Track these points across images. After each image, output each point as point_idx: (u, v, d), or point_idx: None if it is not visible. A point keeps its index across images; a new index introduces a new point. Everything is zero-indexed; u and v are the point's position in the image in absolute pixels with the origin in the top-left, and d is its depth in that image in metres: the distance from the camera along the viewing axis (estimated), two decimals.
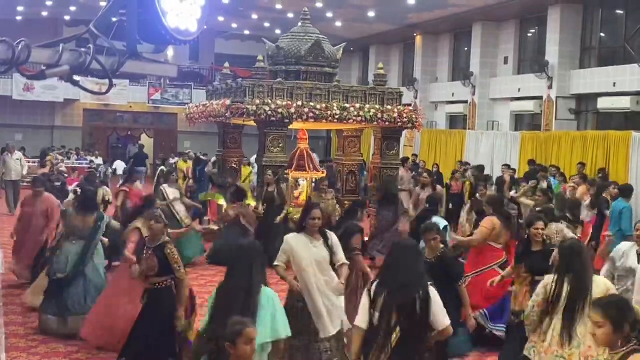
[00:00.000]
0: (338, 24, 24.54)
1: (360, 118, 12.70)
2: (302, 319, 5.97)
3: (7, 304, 8.63)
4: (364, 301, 4.79)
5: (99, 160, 24.61)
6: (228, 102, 12.38)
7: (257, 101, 12.17)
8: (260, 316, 4.51)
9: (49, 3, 25.53)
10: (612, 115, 18.15)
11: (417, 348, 4.63)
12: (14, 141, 21.17)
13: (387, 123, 13.06)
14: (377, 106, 12.95)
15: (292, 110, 12.28)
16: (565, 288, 5.19)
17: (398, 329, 4.56)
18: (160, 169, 14.74)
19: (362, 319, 4.73)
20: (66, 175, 15.68)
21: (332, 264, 6.07)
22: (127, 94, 28.35)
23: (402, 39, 26.83)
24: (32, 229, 9.52)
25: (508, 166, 16.94)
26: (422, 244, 7.66)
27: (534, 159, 17.32)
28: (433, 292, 4.71)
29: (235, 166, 14.65)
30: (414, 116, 13.38)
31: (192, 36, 4.29)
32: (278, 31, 24.51)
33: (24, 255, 9.56)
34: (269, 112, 12.13)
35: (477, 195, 11.50)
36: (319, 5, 21.46)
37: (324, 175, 14.36)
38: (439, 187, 12.96)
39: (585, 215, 11.14)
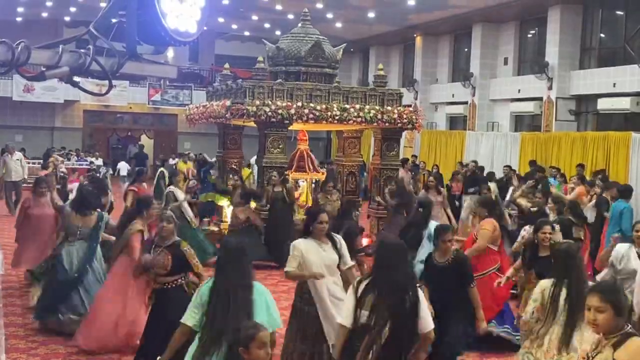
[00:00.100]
0: (338, 24, 24.54)
1: (360, 119, 12.70)
2: (309, 324, 5.94)
3: (6, 305, 8.62)
4: (350, 299, 4.77)
5: (99, 161, 24.60)
6: (228, 103, 12.37)
7: (257, 102, 12.17)
8: (256, 312, 4.55)
9: (48, 4, 25.53)
10: (612, 116, 18.15)
11: (404, 349, 4.63)
12: (14, 142, 21.16)
13: (387, 124, 13.06)
14: (377, 107, 12.95)
15: (292, 111, 12.28)
16: (563, 293, 5.18)
17: (387, 329, 4.56)
18: (160, 170, 14.73)
19: (347, 317, 4.72)
20: (66, 176, 15.66)
21: (337, 266, 6.06)
22: (127, 95, 28.34)
23: (402, 40, 26.84)
24: (42, 231, 9.39)
25: (509, 167, 16.95)
26: (423, 247, 7.66)
27: (535, 160, 17.32)
28: (421, 294, 4.75)
29: (235, 167, 14.65)
30: (413, 117, 13.37)
31: (191, 37, 4.30)
32: (278, 32, 24.52)
33: (31, 257, 9.40)
34: (269, 113, 12.13)
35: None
36: (319, 6, 21.47)
37: (324, 176, 14.39)
38: (442, 188, 12.88)
39: (590, 216, 11.15)
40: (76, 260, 7.88)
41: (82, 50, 3.99)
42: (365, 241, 11.45)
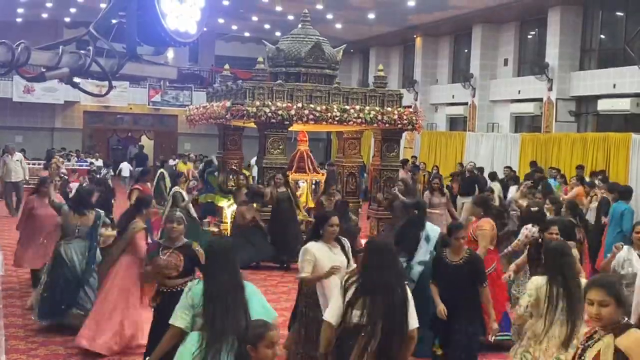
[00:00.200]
0: (338, 25, 24.54)
1: (360, 120, 12.70)
2: (314, 328, 5.91)
3: (7, 305, 8.60)
4: (338, 298, 4.76)
5: (99, 162, 24.60)
6: (228, 103, 12.37)
7: (257, 103, 12.17)
8: (251, 308, 4.58)
9: (48, 5, 25.54)
10: (612, 117, 18.15)
11: (396, 348, 4.63)
12: (14, 143, 21.17)
13: (387, 125, 13.06)
14: (377, 108, 12.95)
15: (292, 112, 12.28)
16: (559, 290, 5.17)
17: (379, 329, 4.57)
18: (159, 171, 14.71)
19: (334, 315, 4.71)
20: (67, 177, 15.66)
21: None
22: (127, 96, 28.35)
23: (402, 40, 26.84)
24: (46, 230, 9.37)
25: (510, 168, 16.95)
26: (421, 248, 7.61)
27: (535, 161, 17.32)
28: (409, 293, 4.79)
29: (235, 168, 14.65)
30: (414, 118, 13.38)
31: (191, 38, 4.30)
32: (278, 33, 24.53)
33: (35, 256, 9.38)
34: (269, 114, 12.13)
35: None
36: (319, 7, 21.47)
37: (324, 177, 14.40)
38: (446, 190, 12.83)
39: (590, 217, 11.15)
40: (75, 258, 7.91)
41: (82, 51, 3.99)
42: (364, 242, 11.44)
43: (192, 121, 14.88)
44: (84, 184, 11.75)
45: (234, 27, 28.91)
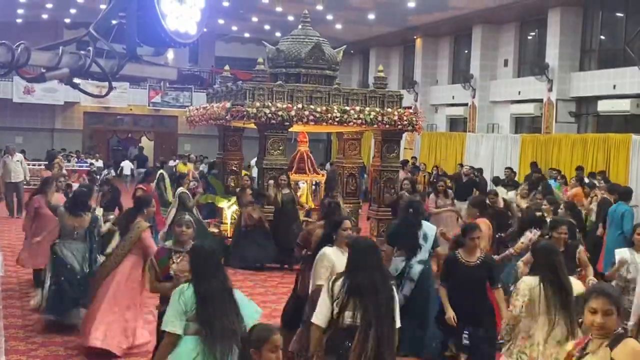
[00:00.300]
0: (338, 26, 24.55)
1: (360, 121, 12.70)
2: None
3: (6, 306, 8.61)
4: (325, 299, 4.73)
5: (99, 163, 24.61)
6: (228, 104, 12.38)
7: (257, 104, 12.17)
8: (242, 309, 4.65)
9: (48, 6, 25.55)
10: (612, 118, 18.15)
11: (388, 349, 4.64)
12: (14, 144, 21.16)
13: (387, 126, 13.06)
14: (377, 109, 12.95)
15: (292, 112, 12.28)
16: (553, 290, 5.16)
17: (372, 329, 4.58)
18: (159, 172, 14.73)
19: (322, 317, 4.69)
20: (67, 177, 15.66)
21: None
22: (127, 97, 28.37)
23: (402, 41, 26.84)
24: (51, 230, 9.36)
25: (510, 169, 16.93)
26: (424, 251, 7.60)
27: (536, 162, 17.31)
28: (395, 293, 4.84)
29: (235, 169, 14.65)
30: (414, 119, 13.38)
31: (191, 39, 4.29)
32: (278, 34, 24.54)
33: (40, 256, 9.38)
34: (269, 115, 12.13)
35: (488, 202, 11.32)
36: (319, 7, 21.46)
37: (324, 177, 14.40)
38: (450, 191, 12.81)
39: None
40: (73, 260, 7.94)
41: (82, 52, 3.99)
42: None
43: (192, 122, 14.89)
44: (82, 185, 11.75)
45: (234, 28, 28.92)
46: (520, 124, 21.66)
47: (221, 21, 26.26)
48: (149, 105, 29.52)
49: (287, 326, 6.37)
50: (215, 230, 13.18)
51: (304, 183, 13.93)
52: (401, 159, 15.56)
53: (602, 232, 10.77)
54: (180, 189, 11.74)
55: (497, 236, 9.39)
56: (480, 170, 17.62)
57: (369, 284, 4.66)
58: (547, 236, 6.94)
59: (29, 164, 19.96)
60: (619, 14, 18.58)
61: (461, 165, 19.33)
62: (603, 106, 17.57)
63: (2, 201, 17.63)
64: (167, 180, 14.32)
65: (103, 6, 4.39)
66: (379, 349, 4.58)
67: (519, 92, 20.57)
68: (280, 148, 12.70)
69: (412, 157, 21.93)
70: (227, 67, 15.44)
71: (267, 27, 27.00)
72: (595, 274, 8.50)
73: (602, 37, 18.98)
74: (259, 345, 3.67)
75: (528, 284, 5.25)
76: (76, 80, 4.28)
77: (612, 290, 3.77)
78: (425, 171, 19.57)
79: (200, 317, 4.56)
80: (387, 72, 18.11)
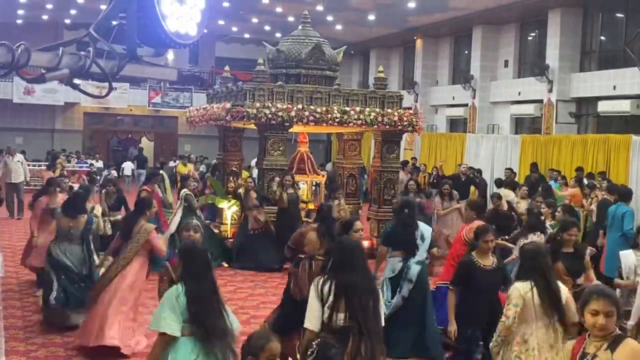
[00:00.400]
0: (338, 27, 24.55)
1: (360, 121, 12.70)
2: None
3: (6, 307, 8.62)
4: (315, 302, 4.69)
5: (99, 164, 24.61)
6: (228, 105, 12.37)
7: (258, 104, 12.17)
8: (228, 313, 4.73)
9: (49, 6, 25.54)
10: (612, 118, 18.15)
11: (380, 347, 4.68)
12: (14, 144, 21.16)
13: (387, 126, 13.05)
14: (378, 109, 12.95)
15: (293, 113, 12.28)
16: (543, 293, 5.11)
17: (365, 329, 4.60)
18: (159, 173, 14.72)
19: (315, 321, 4.65)
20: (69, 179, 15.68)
21: None
22: (128, 97, 28.38)
23: (403, 42, 26.85)
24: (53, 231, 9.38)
25: (511, 169, 16.91)
26: (422, 251, 7.58)
27: (536, 163, 17.30)
28: (380, 292, 4.90)
29: (235, 169, 14.65)
30: (414, 119, 13.37)
31: (191, 40, 4.30)
32: (278, 34, 24.55)
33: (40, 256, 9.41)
34: (269, 116, 12.12)
35: (492, 206, 11.30)
36: (320, 8, 21.47)
37: (324, 178, 14.39)
38: (455, 192, 12.79)
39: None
40: (68, 261, 7.96)
41: (82, 53, 3.99)
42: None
43: (192, 123, 14.88)
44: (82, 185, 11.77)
45: (234, 29, 28.92)
46: (521, 124, 21.66)
47: (221, 22, 26.26)
48: (149, 106, 29.52)
49: (280, 331, 6.33)
50: (216, 231, 13.18)
51: (304, 184, 13.92)
52: (401, 159, 15.55)
53: (603, 235, 10.71)
54: (185, 190, 11.76)
55: (499, 239, 9.37)
56: (479, 171, 17.59)
57: (357, 284, 4.66)
58: (557, 238, 6.90)
59: (29, 165, 19.94)
60: (619, 15, 18.58)
61: (460, 165, 19.29)
62: (603, 107, 17.57)
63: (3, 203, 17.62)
64: (167, 182, 14.30)
65: (103, 7, 4.39)
66: (373, 348, 4.61)
67: (519, 93, 20.57)
68: (281, 149, 12.70)
69: (412, 158, 21.91)
70: (227, 68, 15.43)
71: (267, 27, 27.01)
72: (597, 276, 8.52)
73: (602, 37, 18.98)
74: (256, 352, 3.68)
75: (521, 290, 5.12)
76: (76, 81, 4.29)
77: (610, 291, 3.77)
78: (425, 172, 19.55)
79: (195, 317, 4.56)
80: (387, 72, 18.10)
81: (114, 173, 21.99)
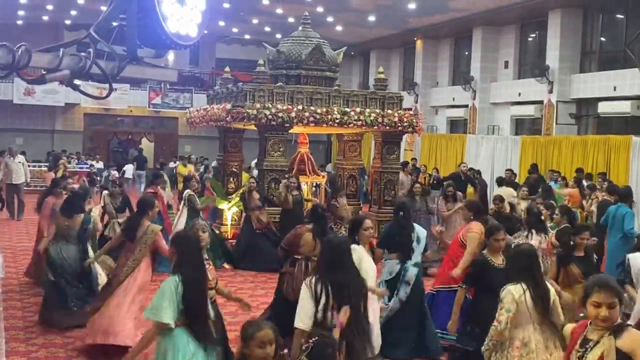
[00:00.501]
0: (339, 28, 24.56)
1: (360, 122, 12.70)
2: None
3: (7, 308, 8.62)
4: (307, 301, 4.67)
5: (100, 165, 24.60)
6: (229, 106, 12.38)
7: (258, 105, 12.17)
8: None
9: (49, 7, 25.55)
10: (612, 119, 18.16)
11: (369, 344, 4.73)
12: (15, 145, 21.13)
13: (387, 127, 13.06)
14: (378, 110, 12.95)
15: (293, 114, 12.29)
16: (536, 294, 5.09)
17: (355, 326, 4.64)
18: (162, 174, 14.71)
19: (306, 320, 4.63)
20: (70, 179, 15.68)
21: None
22: (128, 98, 28.38)
23: (403, 43, 26.85)
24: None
25: (511, 170, 16.91)
26: (414, 250, 7.57)
27: (536, 164, 17.30)
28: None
29: (235, 170, 14.65)
30: (414, 120, 13.38)
31: (192, 41, 4.31)
32: (278, 35, 24.55)
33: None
34: (270, 116, 12.13)
35: (494, 208, 11.30)
36: (320, 9, 21.48)
37: (324, 179, 14.38)
38: (459, 193, 12.79)
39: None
40: (64, 261, 8.01)
41: (83, 54, 3.99)
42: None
43: (193, 123, 14.89)
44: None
45: (235, 30, 28.94)
46: (521, 125, 21.66)
47: (222, 23, 26.27)
48: (149, 107, 29.53)
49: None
50: (216, 232, 13.18)
51: (304, 184, 13.91)
52: (401, 160, 15.55)
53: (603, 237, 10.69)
54: (188, 191, 11.78)
55: None
56: (478, 172, 17.58)
57: (349, 284, 4.69)
58: (570, 242, 6.90)
59: (29, 166, 19.94)
60: (619, 16, 18.59)
61: (460, 164, 19.25)
62: (603, 108, 17.57)
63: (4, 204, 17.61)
64: (167, 183, 14.32)
65: (104, 8, 4.39)
66: (364, 348, 4.67)
67: (519, 94, 20.58)
68: (281, 149, 12.70)
69: (413, 159, 21.90)
70: (227, 69, 15.45)
71: (267, 28, 27.01)
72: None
73: (603, 38, 18.98)
74: (247, 340, 3.74)
75: (514, 294, 5.04)
76: (76, 82, 4.29)
77: (613, 283, 3.75)
78: (425, 173, 19.55)
79: (190, 307, 4.65)
80: (387, 73, 18.12)
81: (115, 174, 21.97)
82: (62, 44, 4.07)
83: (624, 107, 16.78)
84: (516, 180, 16.02)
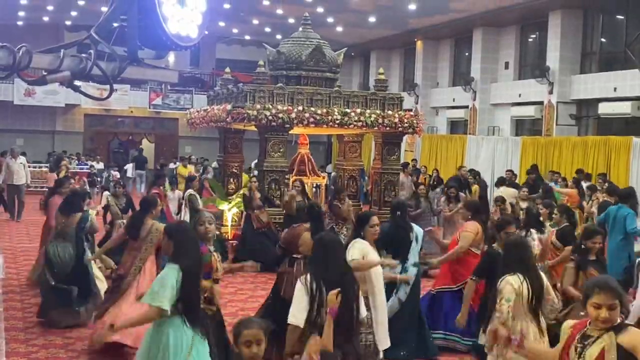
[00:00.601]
0: (339, 29, 24.57)
1: (361, 123, 12.70)
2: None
3: (7, 308, 8.62)
4: (303, 298, 4.68)
5: (100, 165, 24.60)
6: (229, 107, 12.38)
7: (258, 106, 12.17)
8: None
9: (49, 8, 25.56)
10: (612, 120, 18.16)
11: (359, 346, 4.79)
12: (16, 146, 21.13)
13: (387, 128, 13.06)
14: (378, 111, 12.95)
15: (293, 115, 12.29)
16: (534, 284, 5.13)
17: (349, 322, 4.66)
18: (164, 174, 14.74)
19: (300, 317, 4.63)
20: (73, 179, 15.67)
21: None
22: (128, 99, 28.39)
23: (403, 44, 26.86)
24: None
25: (511, 171, 16.92)
26: (412, 250, 7.57)
27: (536, 164, 17.31)
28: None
29: (236, 171, 14.65)
30: (414, 121, 13.37)
31: (192, 42, 4.31)
32: (279, 36, 24.56)
33: None
34: (270, 117, 12.13)
35: (496, 209, 11.31)
36: (320, 10, 21.49)
37: (324, 180, 14.40)
38: (462, 194, 12.78)
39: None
40: (60, 260, 8.04)
41: (84, 55, 4.00)
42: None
43: (193, 124, 14.89)
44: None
45: (235, 31, 28.94)
46: (521, 126, 21.66)
47: (222, 24, 26.28)
48: (149, 108, 29.53)
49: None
50: (217, 233, 13.18)
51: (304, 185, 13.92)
52: (402, 161, 15.55)
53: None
54: (190, 191, 11.76)
55: None
56: (477, 173, 17.57)
57: (342, 280, 4.71)
58: (582, 246, 6.92)
59: (29, 166, 19.93)
60: (619, 17, 18.59)
61: (460, 167, 19.24)
62: (604, 109, 17.58)
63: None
64: (167, 183, 14.32)
65: (104, 9, 4.40)
66: (357, 346, 4.77)
67: (520, 95, 20.58)
68: (281, 150, 12.70)
69: (413, 160, 21.91)
70: (227, 70, 15.45)
71: (267, 29, 27.02)
72: None
73: (603, 39, 18.99)
74: (235, 339, 3.78)
75: (514, 285, 5.08)
76: (77, 83, 4.29)
77: (614, 284, 3.74)
78: (425, 174, 19.56)
79: (187, 296, 4.75)
80: (387, 74, 18.13)
81: (116, 174, 21.97)
82: (63, 45, 4.08)
83: (624, 108, 16.78)
84: (516, 181, 16.02)
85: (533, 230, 8.09)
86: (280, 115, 12.19)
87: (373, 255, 5.96)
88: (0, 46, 3.61)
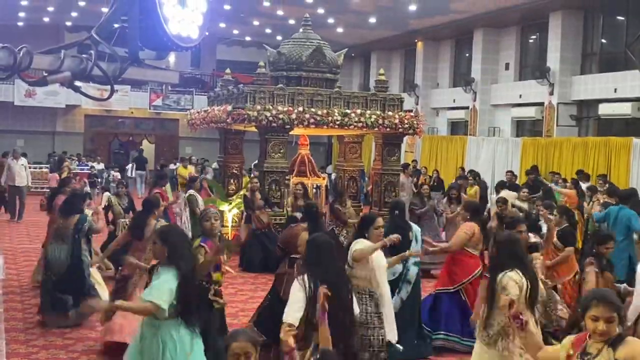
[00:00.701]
0: (339, 30, 24.57)
1: (361, 124, 12.70)
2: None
3: (7, 309, 8.62)
4: (298, 297, 4.71)
5: (100, 166, 24.60)
6: (229, 108, 12.39)
7: (258, 107, 12.18)
8: None
9: (50, 9, 25.57)
10: (613, 121, 18.16)
11: (353, 339, 4.81)
12: (17, 147, 21.14)
13: (388, 129, 13.06)
14: (378, 112, 12.96)
15: (293, 116, 12.29)
16: (532, 279, 5.16)
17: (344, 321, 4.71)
18: (166, 174, 14.73)
19: (294, 315, 4.65)
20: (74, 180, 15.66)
21: None
22: (129, 100, 28.41)
23: (403, 45, 26.87)
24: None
25: (512, 172, 16.91)
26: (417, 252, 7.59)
27: (537, 165, 17.31)
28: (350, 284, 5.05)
29: (236, 172, 14.65)
30: (415, 122, 13.38)
31: (193, 43, 4.30)
32: (279, 37, 24.57)
33: None
34: (270, 118, 12.14)
35: (497, 211, 11.30)
36: (320, 11, 21.49)
37: (325, 181, 14.40)
38: (464, 196, 12.76)
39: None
40: (58, 261, 8.05)
41: (84, 56, 3.99)
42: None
43: (194, 125, 14.90)
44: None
45: (235, 32, 28.96)
46: (522, 127, 21.67)
47: (223, 25, 26.30)
48: (150, 109, 29.55)
49: (266, 332, 6.25)
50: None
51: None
52: (402, 162, 15.56)
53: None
54: (190, 192, 11.76)
55: None
56: (477, 174, 17.57)
57: (337, 279, 4.75)
58: (593, 250, 6.94)
59: (30, 167, 19.93)
60: (619, 18, 18.59)
61: (462, 168, 19.26)
62: (604, 109, 17.58)
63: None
64: (167, 184, 14.32)
65: (104, 9, 4.40)
66: (354, 345, 4.81)
67: (520, 96, 20.59)
68: (281, 151, 12.70)
69: (413, 161, 21.92)
70: (228, 71, 15.46)
71: (268, 30, 27.03)
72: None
73: (603, 40, 18.99)
74: (226, 350, 3.77)
75: (516, 281, 5.10)
76: (78, 84, 4.29)
77: (612, 296, 3.74)
78: (426, 175, 19.56)
79: (183, 298, 4.76)
80: (388, 75, 18.12)
81: (117, 175, 21.96)
82: (64, 46, 4.07)
83: (625, 109, 16.79)
84: (517, 182, 16.02)
85: (531, 235, 8.09)
86: (281, 116, 12.20)
87: (378, 254, 5.98)
88: (0, 47, 3.61)
